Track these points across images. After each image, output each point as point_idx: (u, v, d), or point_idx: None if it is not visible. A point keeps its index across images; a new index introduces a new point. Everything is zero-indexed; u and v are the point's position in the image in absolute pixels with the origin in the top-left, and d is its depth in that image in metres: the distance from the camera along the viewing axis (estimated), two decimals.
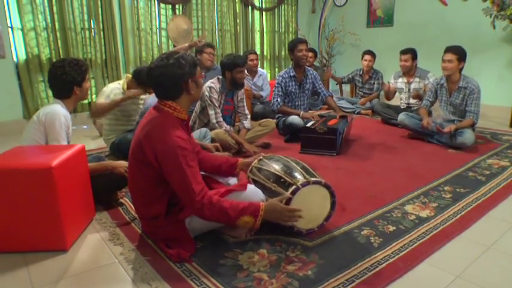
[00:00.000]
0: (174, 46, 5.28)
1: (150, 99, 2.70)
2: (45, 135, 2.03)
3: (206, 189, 1.60)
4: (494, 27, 4.21)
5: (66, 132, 2.07)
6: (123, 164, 2.11)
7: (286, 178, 1.76)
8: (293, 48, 3.67)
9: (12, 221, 1.67)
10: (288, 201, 1.69)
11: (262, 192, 1.79)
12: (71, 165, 1.77)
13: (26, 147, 1.94)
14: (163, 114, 1.65)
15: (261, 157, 2.03)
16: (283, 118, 3.76)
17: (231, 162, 2.00)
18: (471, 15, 4.81)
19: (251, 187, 1.76)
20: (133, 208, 2.08)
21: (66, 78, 2.07)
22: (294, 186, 1.70)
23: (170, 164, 1.56)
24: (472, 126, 3.37)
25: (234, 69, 3.12)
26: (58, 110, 2.04)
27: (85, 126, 4.51)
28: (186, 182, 1.54)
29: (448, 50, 3.36)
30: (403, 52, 4.23)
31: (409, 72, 4.27)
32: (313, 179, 1.75)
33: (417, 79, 4.25)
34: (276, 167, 1.87)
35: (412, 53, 4.19)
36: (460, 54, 3.30)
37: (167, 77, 1.61)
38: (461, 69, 3.38)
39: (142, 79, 2.81)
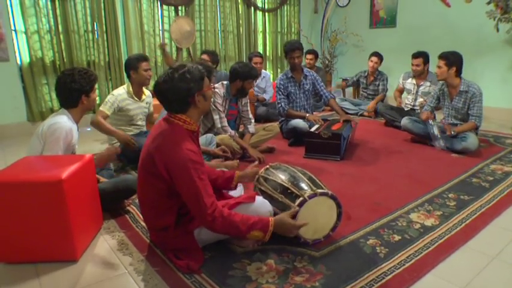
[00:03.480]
0: (177, 47, 5.29)
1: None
2: (43, 145, 2.00)
3: (217, 202, 1.62)
4: (497, 30, 4.22)
5: (69, 146, 2.06)
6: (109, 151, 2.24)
7: (293, 189, 1.78)
8: (286, 53, 3.75)
9: (23, 232, 1.69)
10: (295, 214, 1.71)
11: (270, 202, 1.81)
12: (80, 177, 1.79)
13: (34, 157, 1.95)
14: (173, 127, 1.66)
15: (268, 166, 2.05)
16: (287, 121, 3.78)
17: (227, 176, 1.98)
18: (474, 17, 4.81)
19: (259, 199, 1.78)
20: (140, 216, 2.10)
21: (74, 86, 2.06)
22: (301, 198, 1.72)
23: (182, 177, 1.57)
24: (475, 129, 3.39)
25: (247, 79, 3.16)
26: (62, 124, 2.01)
27: (88, 129, 4.53)
28: (197, 195, 1.56)
29: (438, 56, 3.43)
30: (415, 56, 4.21)
31: (420, 75, 4.27)
32: (320, 190, 1.77)
33: (428, 83, 4.24)
34: (282, 178, 1.89)
35: (423, 56, 4.18)
36: (448, 59, 3.34)
37: (173, 92, 1.60)
38: (457, 74, 3.39)
39: None
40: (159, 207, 1.69)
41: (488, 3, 4.23)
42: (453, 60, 3.34)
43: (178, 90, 1.60)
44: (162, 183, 1.63)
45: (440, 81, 3.56)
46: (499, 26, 4.20)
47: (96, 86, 2.19)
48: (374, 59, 5.02)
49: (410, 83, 4.39)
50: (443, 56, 3.39)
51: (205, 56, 4.32)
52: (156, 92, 1.66)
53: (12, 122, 4.24)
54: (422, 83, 4.28)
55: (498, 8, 4.10)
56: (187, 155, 1.57)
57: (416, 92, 4.32)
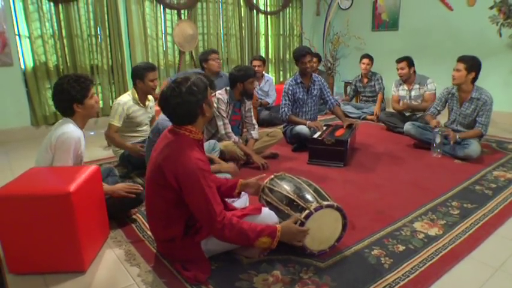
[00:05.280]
0: (180, 51, 5.30)
1: (161, 116, 2.67)
2: (53, 157, 1.99)
3: (225, 210, 1.64)
4: (500, 35, 4.22)
5: (78, 155, 2.06)
6: (120, 187, 2.13)
7: (299, 202, 1.80)
8: (297, 60, 3.74)
9: (32, 244, 1.71)
10: (301, 225, 1.73)
11: (276, 214, 1.82)
12: (87, 188, 1.80)
13: (42, 168, 1.95)
14: (179, 138, 1.69)
15: (273, 176, 2.06)
16: (291, 127, 3.79)
17: (231, 184, 2.00)
18: (477, 21, 4.81)
19: (265, 210, 1.79)
20: (147, 226, 2.12)
21: (63, 96, 2.00)
22: (307, 211, 1.74)
23: (191, 185, 1.59)
24: (480, 137, 3.38)
25: (247, 80, 3.18)
26: (70, 134, 1.98)
27: (92, 133, 4.55)
28: (207, 203, 1.58)
29: (458, 59, 3.35)
30: (398, 61, 4.27)
31: (408, 79, 4.30)
32: (325, 202, 1.78)
33: (417, 86, 4.28)
34: (288, 189, 1.90)
35: (407, 60, 4.21)
36: (469, 64, 3.27)
37: (182, 105, 1.63)
38: (473, 80, 3.34)
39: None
40: (168, 218, 1.71)
41: (491, 8, 4.24)
42: (473, 65, 3.26)
43: (188, 103, 1.63)
44: (171, 193, 1.65)
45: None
46: (501, 30, 4.20)
47: (94, 90, 2.12)
48: (365, 60, 5.09)
49: (402, 90, 4.41)
50: (463, 60, 3.29)
51: (215, 55, 4.12)
52: (163, 107, 1.68)
53: (16, 126, 4.27)
54: (412, 87, 4.30)
55: (501, 13, 4.11)
56: (196, 163, 1.60)
57: (410, 97, 4.34)
